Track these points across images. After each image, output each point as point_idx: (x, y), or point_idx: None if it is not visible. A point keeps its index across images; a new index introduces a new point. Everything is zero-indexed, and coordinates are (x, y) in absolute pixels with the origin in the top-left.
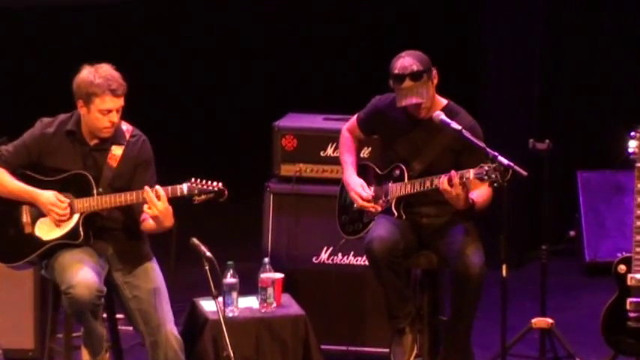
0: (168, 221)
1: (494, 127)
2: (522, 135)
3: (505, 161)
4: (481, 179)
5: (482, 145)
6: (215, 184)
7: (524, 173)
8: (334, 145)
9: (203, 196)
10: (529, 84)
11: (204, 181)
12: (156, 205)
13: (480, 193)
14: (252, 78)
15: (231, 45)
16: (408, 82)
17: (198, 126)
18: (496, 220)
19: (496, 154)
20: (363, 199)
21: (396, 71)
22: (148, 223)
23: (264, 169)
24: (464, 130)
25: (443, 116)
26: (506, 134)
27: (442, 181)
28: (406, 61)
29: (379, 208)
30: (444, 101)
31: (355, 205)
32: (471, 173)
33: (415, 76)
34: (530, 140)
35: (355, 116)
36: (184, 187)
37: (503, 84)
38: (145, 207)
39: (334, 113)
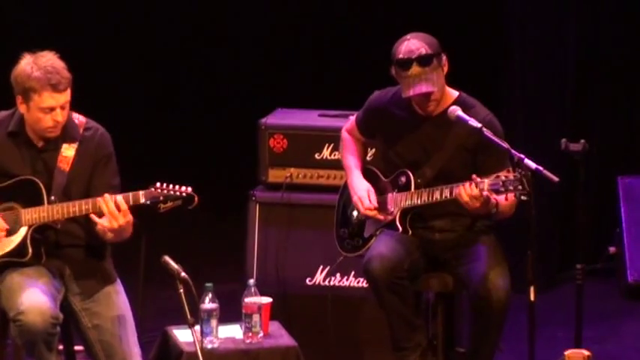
0: (128, 232)
1: (519, 125)
2: (552, 135)
3: (532, 164)
4: (497, 192)
5: (506, 145)
6: (183, 188)
7: (556, 179)
8: (331, 147)
9: (169, 203)
10: (560, 76)
11: (170, 186)
12: (117, 217)
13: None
14: (235, 67)
15: (211, 31)
16: (415, 68)
17: (170, 124)
18: (522, 234)
19: (522, 156)
20: (366, 208)
21: (401, 56)
22: (107, 236)
23: (249, 175)
24: (485, 130)
25: (460, 112)
26: (533, 133)
27: (462, 193)
28: (412, 44)
29: (388, 218)
30: (455, 93)
31: (355, 216)
32: (485, 184)
33: (424, 60)
34: (563, 140)
35: (354, 116)
36: (146, 193)
37: (529, 74)
38: (104, 219)
39: (331, 108)
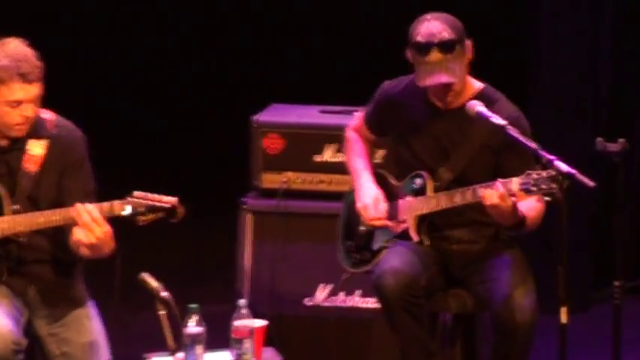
0: (108, 247)
1: (548, 124)
2: (587, 134)
3: (564, 167)
4: (528, 191)
5: (533, 145)
6: (167, 198)
7: (591, 184)
8: (334, 148)
9: (150, 216)
10: (594, 66)
11: (151, 195)
12: (93, 229)
13: (530, 206)
14: (223, 58)
15: (196, 15)
16: (435, 54)
17: (149, 123)
18: (552, 247)
19: (552, 157)
20: (371, 218)
21: (420, 39)
22: (81, 250)
23: (240, 180)
24: (509, 127)
25: (480, 107)
26: (565, 133)
27: (489, 194)
28: (433, 26)
29: (400, 227)
30: (478, 85)
31: (361, 226)
32: (514, 183)
33: (446, 46)
34: (599, 140)
35: (361, 112)
36: (124, 203)
37: (560, 64)
38: (78, 232)
39: (333, 104)
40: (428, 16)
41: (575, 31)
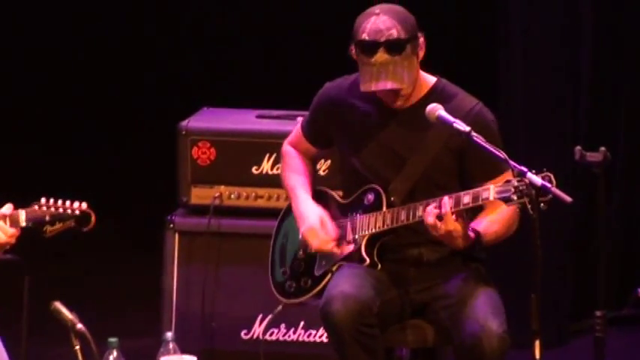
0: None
1: (520, 132)
2: (564, 142)
3: (538, 180)
4: (508, 201)
5: (502, 155)
6: (76, 204)
7: (568, 199)
8: (273, 158)
9: (58, 225)
10: (574, 67)
11: (58, 202)
12: None
13: (494, 218)
14: (149, 58)
15: (119, 14)
16: (381, 55)
17: (64, 127)
18: (525, 272)
19: (524, 169)
20: (321, 241)
21: (365, 36)
22: None
23: (166, 195)
24: (475, 135)
25: (441, 111)
26: (539, 141)
27: (428, 212)
28: (381, 22)
29: (348, 249)
30: (431, 79)
31: (300, 250)
32: (491, 191)
33: (394, 46)
34: (577, 149)
35: (299, 124)
36: (27, 212)
37: (532, 69)
38: None
39: (272, 107)
40: (376, 9)
41: (547, 22)
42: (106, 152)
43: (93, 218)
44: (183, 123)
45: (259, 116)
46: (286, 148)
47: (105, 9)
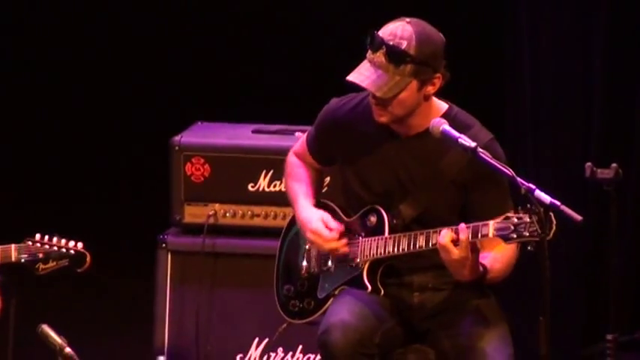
0: None
1: (528, 148)
2: (574, 159)
3: (547, 198)
4: (507, 239)
5: (509, 172)
6: (72, 244)
7: (578, 218)
8: (270, 174)
9: (52, 263)
10: (586, 82)
11: (54, 239)
12: None
13: (497, 256)
14: (142, 69)
15: (112, 27)
16: (380, 56)
17: (51, 144)
18: (533, 294)
19: (532, 186)
20: (328, 239)
21: (380, 32)
22: None
23: (158, 213)
24: (481, 150)
25: (446, 126)
26: (548, 158)
27: (443, 235)
28: (401, 29)
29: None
30: (442, 106)
31: (305, 268)
32: (490, 228)
33: (395, 55)
34: (588, 165)
35: (305, 134)
36: (21, 248)
37: (542, 81)
38: None
39: (269, 122)
40: (411, 19)
41: (557, 32)
42: (98, 170)
43: (88, 259)
44: (176, 138)
45: (255, 131)
46: (291, 158)
47: (98, 22)
